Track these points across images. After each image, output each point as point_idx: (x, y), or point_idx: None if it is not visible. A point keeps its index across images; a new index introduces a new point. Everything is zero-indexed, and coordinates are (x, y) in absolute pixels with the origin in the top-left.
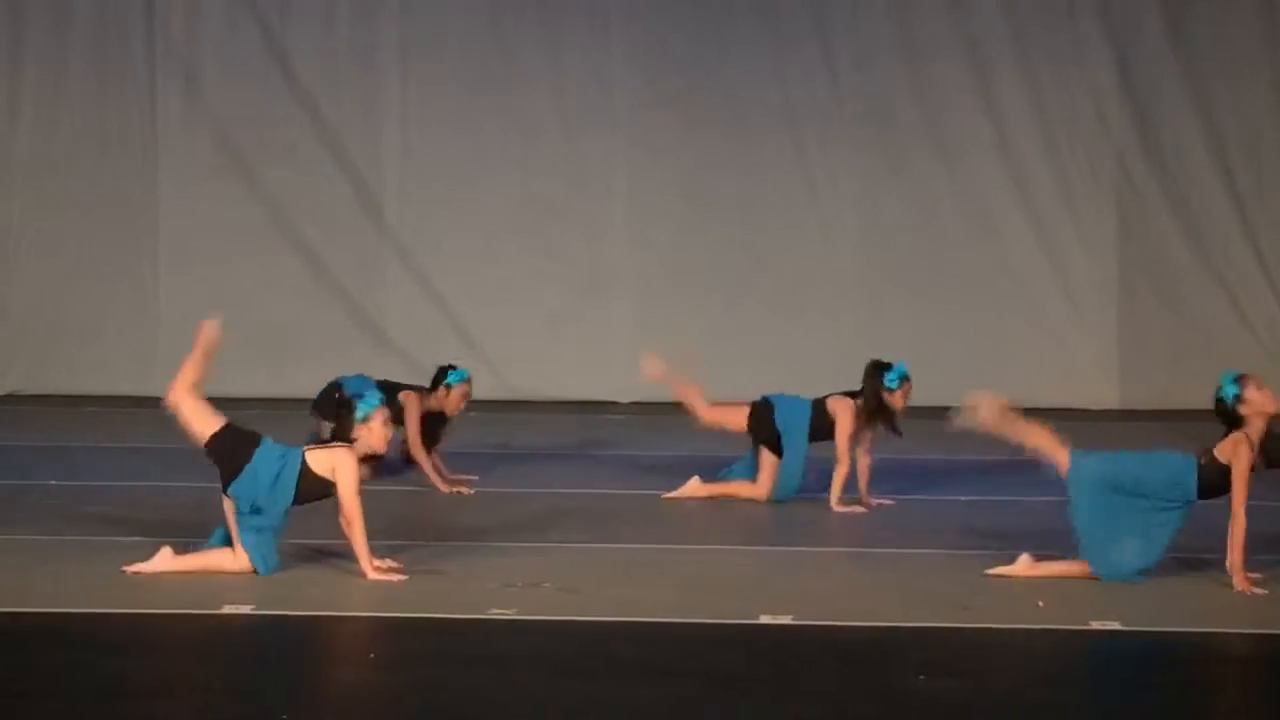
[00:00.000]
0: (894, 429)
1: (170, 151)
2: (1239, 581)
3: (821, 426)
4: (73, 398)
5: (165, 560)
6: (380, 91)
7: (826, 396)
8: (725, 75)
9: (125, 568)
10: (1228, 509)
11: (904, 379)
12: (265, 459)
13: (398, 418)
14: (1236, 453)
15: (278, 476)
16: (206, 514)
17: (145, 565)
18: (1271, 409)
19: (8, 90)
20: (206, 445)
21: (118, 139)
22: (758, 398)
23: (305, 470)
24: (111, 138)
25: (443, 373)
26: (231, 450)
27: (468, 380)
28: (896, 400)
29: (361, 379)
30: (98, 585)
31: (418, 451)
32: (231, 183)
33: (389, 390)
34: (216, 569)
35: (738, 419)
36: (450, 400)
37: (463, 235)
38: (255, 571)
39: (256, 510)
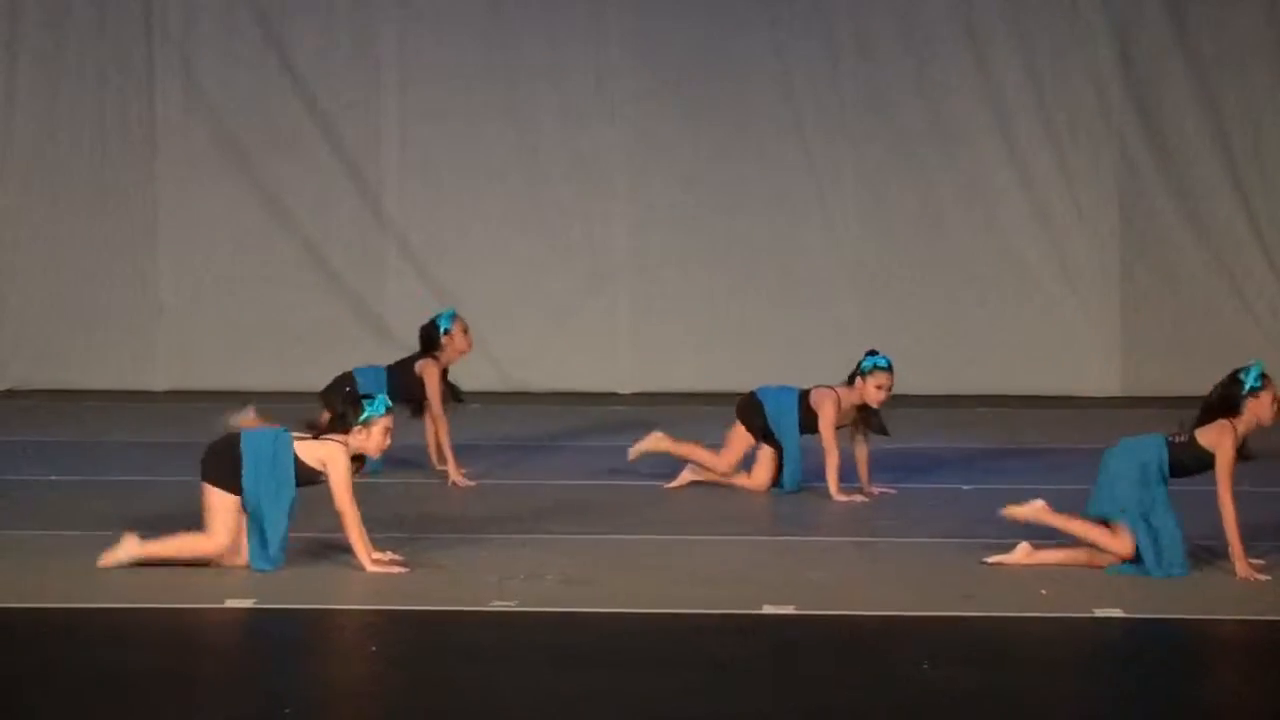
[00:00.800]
0: (869, 425)
1: (169, 144)
2: (1241, 568)
3: (807, 418)
4: (73, 392)
5: (132, 547)
6: (379, 83)
7: (811, 389)
8: (725, 64)
9: (99, 563)
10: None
11: (876, 368)
12: (253, 448)
13: (417, 395)
14: (1222, 441)
15: (273, 460)
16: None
17: (113, 555)
18: (1268, 421)
19: (5, 83)
20: (205, 476)
21: (116, 131)
22: (745, 395)
23: (295, 458)
24: (110, 130)
25: (433, 326)
26: (218, 460)
27: (457, 316)
28: (867, 389)
29: (375, 371)
30: (99, 580)
31: (440, 422)
32: (230, 175)
33: (400, 370)
34: (192, 553)
35: (743, 437)
36: (458, 344)
37: (462, 227)
38: (250, 566)
39: (261, 503)
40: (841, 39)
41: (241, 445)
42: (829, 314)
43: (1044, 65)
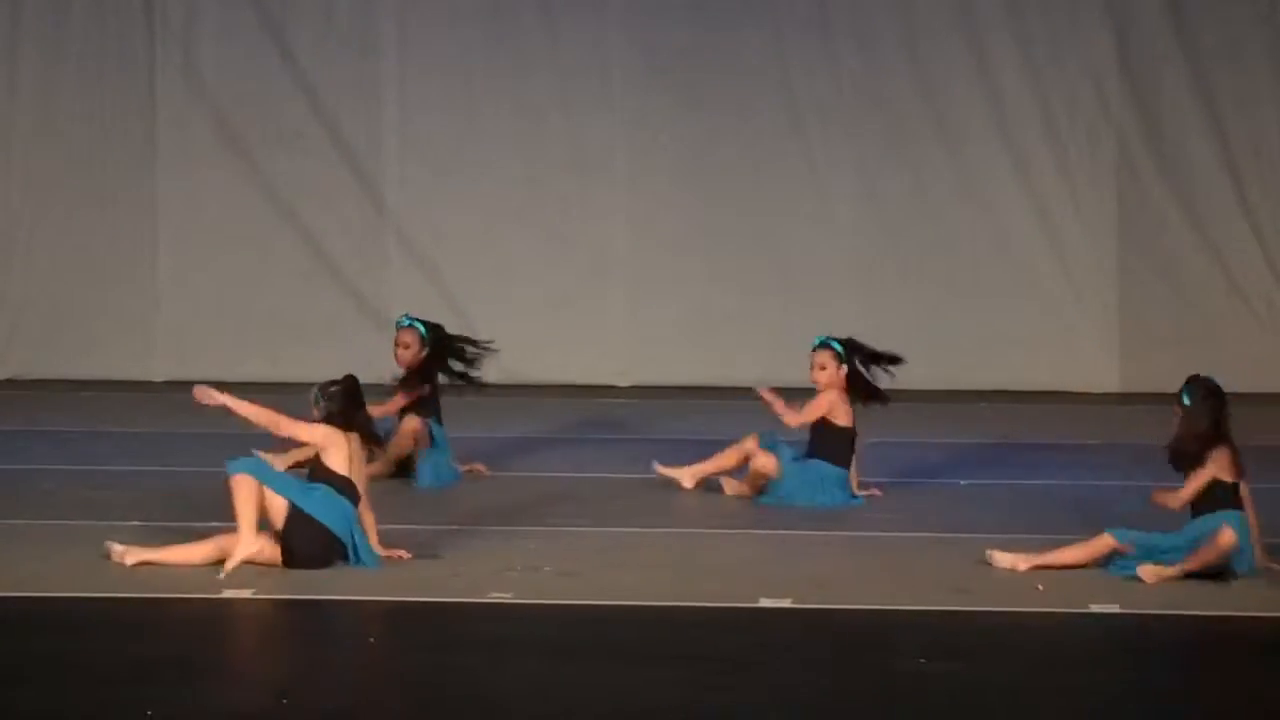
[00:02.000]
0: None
1: (169, 136)
2: (1260, 558)
3: (828, 445)
4: (72, 382)
5: (144, 552)
6: (379, 74)
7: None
8: (724, 57)
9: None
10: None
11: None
12: (339, 526)
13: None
14: (1233, 465)
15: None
16: (205, 498)
17: (131, 555)
18: None
19: (6, 75)
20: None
21: (117, 124)
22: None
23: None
24: (110, 123)
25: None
26: (322, 549)
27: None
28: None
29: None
30: (96, 570)
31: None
32: (230, 167)
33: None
34: (209, 558)
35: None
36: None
37: (462, 219)
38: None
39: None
40: (840, 33)
41: (351, 549)
42: (827, 308)
43: (1041, 57)
